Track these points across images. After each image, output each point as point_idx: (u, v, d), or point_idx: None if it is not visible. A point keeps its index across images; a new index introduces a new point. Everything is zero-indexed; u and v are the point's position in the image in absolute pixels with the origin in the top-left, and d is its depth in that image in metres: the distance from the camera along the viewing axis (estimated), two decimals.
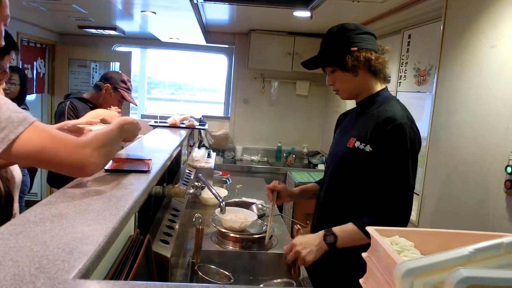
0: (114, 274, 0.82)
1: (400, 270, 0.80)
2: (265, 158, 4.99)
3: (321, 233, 1.43)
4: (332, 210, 1.59)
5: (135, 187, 1.19)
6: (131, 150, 1.85)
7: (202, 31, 3.81)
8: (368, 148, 1.44)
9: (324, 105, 5.00)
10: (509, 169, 1.58)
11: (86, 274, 0.68)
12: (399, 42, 3.11)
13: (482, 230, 1.75)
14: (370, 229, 1.10)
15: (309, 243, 1.42)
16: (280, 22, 4.01)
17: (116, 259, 0.90)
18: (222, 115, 5.27)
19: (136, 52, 5.35)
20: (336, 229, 1.42)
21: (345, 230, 1.40)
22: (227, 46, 5.07)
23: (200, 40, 4.44)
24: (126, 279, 0.82)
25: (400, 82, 3.12)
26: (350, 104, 3.99)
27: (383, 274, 1.02)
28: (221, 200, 1.67)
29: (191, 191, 1.73)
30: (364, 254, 1.13)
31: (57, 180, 2.22)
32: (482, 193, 1.71)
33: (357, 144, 1.47)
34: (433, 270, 0.81)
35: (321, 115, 5.05)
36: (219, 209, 1.94)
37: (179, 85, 7.91)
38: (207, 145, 4.08)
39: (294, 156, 4.87)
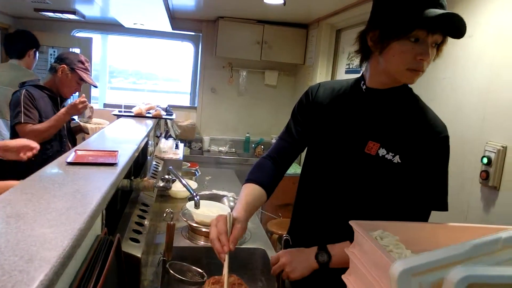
0: (81, 282, 0.73)
1: (397, 269, 0.75)
2: (233, 149, 4.91)
3: (313, 250, 1.21)
4: (338, 221, 1.24)
5: (102, 182, 1.08)
6: (94, 141, 1.72)
7: (168, 16, 3.65)
8: (396, 159, 1.16)
9: (293, 95, 4.96)
10: (485, 160, 1.59)
11: (49, 286, 0.58)
12: None
13: (458, 221, 1.76)
14: (353, 223, 1.05)
15: (297, 260, 1.22)
16: (249, 9, 3.91)
17: (82, 264, 0.80)
18: (188, 104, 5.13)
19: (96, 38, 5.09)
20: (331, 248, 1.19)
21: (342, 251, 1.08)
22: (193, 33, 4.92)
23: (166, 26, 4.26)
24: (94, 287, 0.73)
25: None
26: None
27: (368, 269, 0.98)
28: (195, 194, 1.57)
29: (161, 184, 1.62)
30: (347, 249, 1.08)
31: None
32: (458, 183, 1.71)
33: (382, 152, 1.17)
34: (431, 268, 0.77)
35: (290, 106, 4.97)
36: (189, 202, 1.85)
37: (141, 74, 7.66)
38: (173, 135, 3.95)
39: (262, 147, 4.82)
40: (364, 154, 1.18)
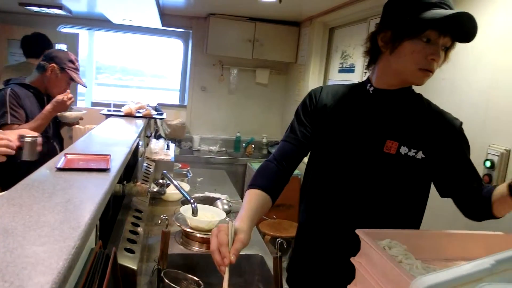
0: None
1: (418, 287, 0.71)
2: (224, 149, 4.85)
3: None
4: (357, 226, 1.07)
5: (95, 190, 1.01)
6: (83, 143, 1.65)
7: (158, 13, 3.57)
8: (420, 155, 1.16)
9: (284, 94, 4.92)
10: (488, 163, 1.56)
11: None
12: (365, 31, 3.06)
13: (459, 225, 1.74)
14: (360, 232, 1.01)
15: None
16: (241, 6, 3.85)
17: (77, 283, 0.73)
18: (177, 103, 5.04)
19: (83, 34, 4.96)
20: None
21: None
22: (183, 30, 4.83)
23: (156, 23, 4.18)
24: None
25: (365, 72, 3.08)
26: None
27: (377, 281, 0.94)
28: (192, 201, 1.50)
29: (155, 189, 1.56)
30: (353, 259, 1.04)
31: None
32: None
33: (404, 150, 1.16)
34: (453, 285, 0.72)
35: (281, 104, 4.96)
36: (183, 207, 1.79)
37: (127, 70, 7.52)
38: (163, 135, 3.87)
39: (253, 146, 4.76)
40: (383, 154, 1.17)
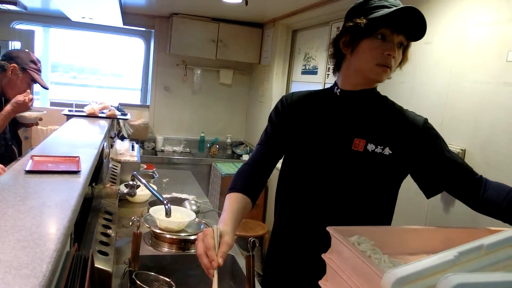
0: None
1: (390, 280, 0.75)
2: (188, 149, 4.81)
3: None
4: (329, 223, 1.13)
5: (68, 193, 1.00)
6: (50, 145, 1.60)
7: (121, 11, 3.50)
8: (387, 151, 1.20)
9: (248, 95, 4.95)
10: None
11: None
12: (327, 34, 3.14)
13: (419, 220, 1.83)
14: (330, 229, 1.06)
15: None
16: (204, 7, 3.85)
17: (57, 287, 0.73)
18: (139, 103, 4.95)
19: (38, 31, 4.77)
20: None
21: None
22: (145, 29, 4.76)
23: (117, 21, 4.09)
24: None
25: (328, 74, 3.17)
26: (276, 95, 3.99)
27: (349, 276, 0.98)
28: (166, 202, 1.50)
29: (125, 191, 1.54)
30: (324, 255, 1.08)
31: None
32: None
33: (371, 147, 1.21)
34: (420, 277, 0.78)
35: (245, 105, 4.99)
36: (152, 208, 1.78)
37: (83, 69, 7.26)
38: (126, 135, 3.80)
39: (217, 146, 4.77)
40: (352, 152, 1.21)
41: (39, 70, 2.35)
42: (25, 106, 2.17)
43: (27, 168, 1.14)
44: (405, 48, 1.20)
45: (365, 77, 1.21)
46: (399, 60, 1.20)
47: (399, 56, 1.19)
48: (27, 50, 2.56)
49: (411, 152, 1.21)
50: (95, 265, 1.02)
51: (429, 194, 1.24)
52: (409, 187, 1.27)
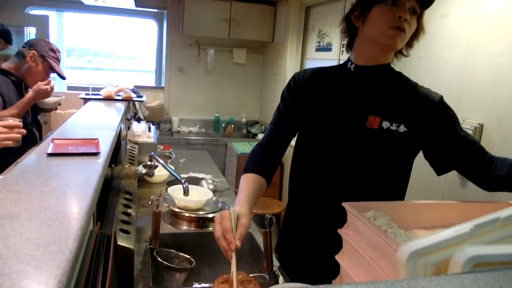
0: (87, 283, 0.69)
1: (405, 252, 0.77)
2: (203, 129, 4.85)
3: None
4: (344, 200, 1.12)
5: (89, 174, 1.03)
6: (69, 128, 1.64)
7: None
8: (402, 129, 1.20)
9: (262, 73, 4.93)
10: None
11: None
12: (342, 10, 3.09)
13: (436, 196, 1.83)
14: (346, 205, 1.07)
15: None
16: None
17: (82, 264, 0.76)
18: (153, 85, 4.98)
19: (52, 16, 4.80)
20: None
21: None
22: (157, 10, 4.74)
23: (129, 3, 4.08)
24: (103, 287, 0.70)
25: (342, 51, 3.12)
26: (290, 73, 3.96)
27: (365, 250, 1.00)
28: (183, 181, 1.53)
29: (144, 171, 1.57)
30: (340, 230, 1.10)
31: None
32: None
33: (386, 125, 1.20)
34: (436, 249, 0.79)
35: (259, 84, 4.97)
36: (171, 187, 1.82)
37: (97, 52, 7.31)
38: (142, 117, 3.85)
39: (232, 126, 4.78)
40: (366, 129, 1.21)
41: (58, 59, 2.39)
42: (47, 93, 2.23)
43: (49, 151, 1.18)
44: (419, 17, 1.17)
45: (379, 44, 1.18)
46: (413, 28, 1.17)
47: (413, 23, 1.16)
48: (47, 40, 2.60)
49: (426, 129, 1.20)
50: (118, 243, 1.05)
51: (439, 172, 1.24)
52: (425, 164, 1.26)
